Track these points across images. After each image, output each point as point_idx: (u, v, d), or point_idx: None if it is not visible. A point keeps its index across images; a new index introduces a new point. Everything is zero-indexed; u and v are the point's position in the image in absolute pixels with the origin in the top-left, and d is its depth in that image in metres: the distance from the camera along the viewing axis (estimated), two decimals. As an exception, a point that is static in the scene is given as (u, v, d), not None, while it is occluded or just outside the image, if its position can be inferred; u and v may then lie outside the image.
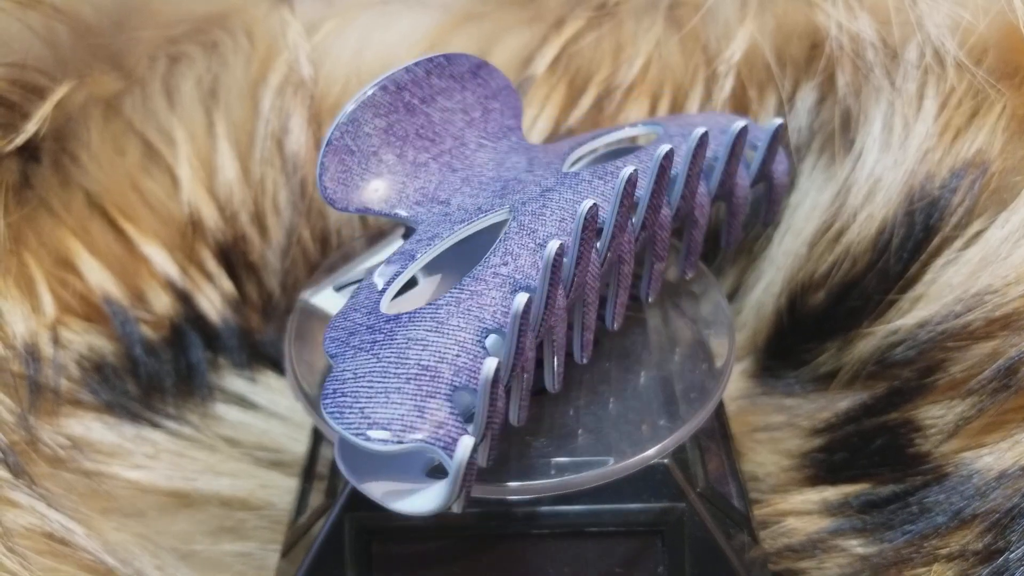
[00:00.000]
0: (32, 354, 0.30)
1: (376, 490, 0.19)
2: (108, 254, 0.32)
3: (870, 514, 0.27)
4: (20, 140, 0.30)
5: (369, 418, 0.19)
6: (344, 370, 0.20)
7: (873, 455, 0.29)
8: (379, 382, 0.19)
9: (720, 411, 0.29)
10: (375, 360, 0.20)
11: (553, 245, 0.19)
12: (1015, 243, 0.27)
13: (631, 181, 0.21)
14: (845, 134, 0.32)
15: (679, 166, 0.23)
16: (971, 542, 0.25)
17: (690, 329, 0.28)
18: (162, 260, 0.33)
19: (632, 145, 0.28)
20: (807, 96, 0.33)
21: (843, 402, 0.30)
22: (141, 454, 0.31)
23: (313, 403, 0.25)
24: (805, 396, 0.32)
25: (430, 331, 0.20)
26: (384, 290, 0.22)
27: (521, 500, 0.23)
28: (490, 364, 0.18)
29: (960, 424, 0.27)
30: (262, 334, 0.35)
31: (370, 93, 0.24)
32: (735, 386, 0.33)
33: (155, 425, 0.32)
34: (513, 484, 0.23)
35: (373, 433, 0.18)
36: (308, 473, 0.28)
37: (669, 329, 0.27)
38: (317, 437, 0.29)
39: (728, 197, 0.26)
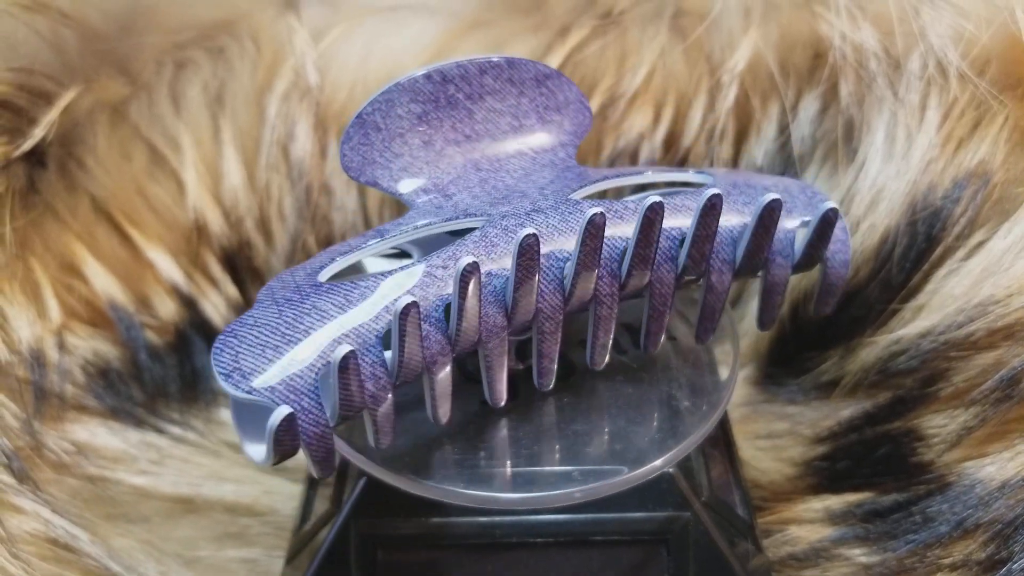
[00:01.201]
0: (37, 359, 0.30)
1: (247, 442, 0.21)
2: (114, 259, 0.33)
3: (873, 523, 0.27)
4: (27, 145, 0.30)
5: (238, 363, 0.20)
6: (250, 315, 0.21)
7: (876, 464, 0.29)
8: (266, 336, 0.20)
9: (723, 419, 0.29)
10: (277, 316, 0.21)
11: (464, 261, 0.20)
12: (1017, 254, 0.28)
13: (593, 223, 0.21)
14: (848, 144, 0.32)
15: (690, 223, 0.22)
16: (974, 552, 0.25)
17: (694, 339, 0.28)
18: (167, 265, 0.33)
19: (673, 189, 0.26)
20: (810, 106, 0.33)
21: (846, 411, 0.31)
22: (146, 460, 0.31)
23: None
24: (807, 404, 0.32)
25: (336, 307, 0.21)
26: (334, 259, 0.23)
27: (528, 510, 0.23)
28: (340, 350, 0.19)
29: (963, 434, 0.27)
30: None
31: (413, 78, 0.24)
32: (737, 394, 0.34)
33: (160, 431, 0.32)
34: (521, 496, 0.23)
35: (233, 376, 0.20)
36: (313, 480, 0.28)
37: (673, 338, 0.27)
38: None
39: (763, 274, 0.24)
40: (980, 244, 0.29)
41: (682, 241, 0.23)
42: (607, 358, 0.24)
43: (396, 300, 0.20)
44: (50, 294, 0.31)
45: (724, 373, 0.26)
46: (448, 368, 0.22)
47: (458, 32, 0.34)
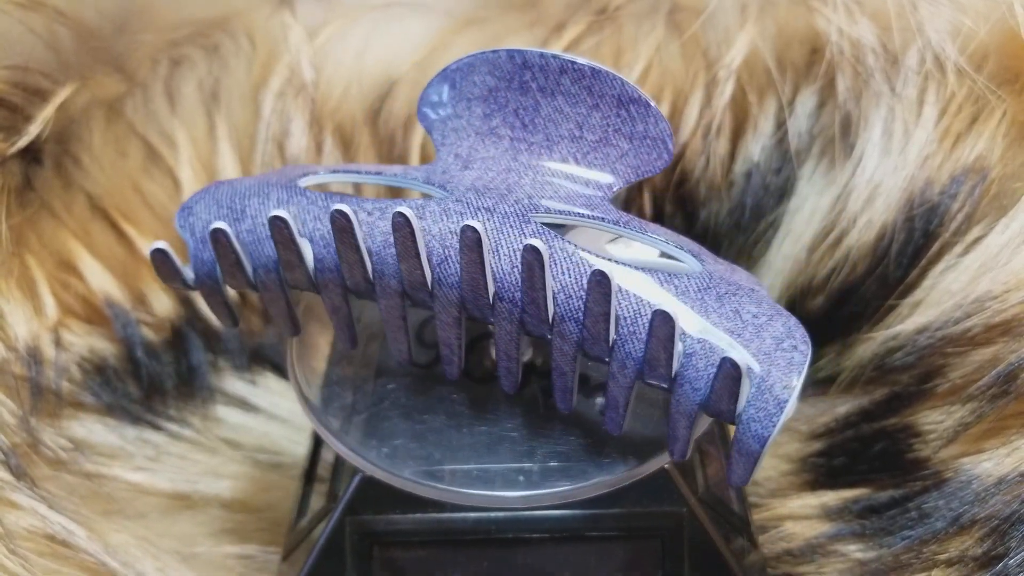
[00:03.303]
0: (34, 356, 0.30)
1: None
2: (109, 256, 0.33)
3: (869, 519, 0.27)
4: (23, 142, 0.30)
5: (192, 211, 0.24)
6: (230, 182, 0.24)
7: (872, 460, 0.29)
8: (226, 198, 0.23)
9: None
10: (245, 188, 0.24)
11: (337, 206, 0.21)
12: (1015, 249, 0.27)
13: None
14: (845, 139, 0.32)
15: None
16: (970, 548, 0.25)
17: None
18: (163, 262, 0.33)
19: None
20: (807, 101, 0.33)
21: (842, 407, 0.31)
22: (142, 456, 0.31)
23: (314, 408, 0.25)
24: (804, 400, 0.32)
25: (285, 202, 0.23)
26: (317, 172, 0.25)
27: (524, 506, 0.23)
28: (218, 224, 0.22)
29: (959, 430, 0.27)
30: (263, 337, 0.35)
31: (497, 52, 0.24)
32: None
33: (156, 427, 0.32)
34: (521, 493, 0.23)
35: (184, 216, 0.24)
36: (309, 476, 0.28)
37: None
38: (317, 441, 0.29)
39: (670, 396, 0.21)
40: (977, 240, 0.29)
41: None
42: (516, 382, 0.23)
43: (272, 213, 0.21)
44: (46, 291, 0.31)
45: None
46: (341, 297, 0.23)
47: (453, 29, 0.34)
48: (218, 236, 0.22)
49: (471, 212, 0.22)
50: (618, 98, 0.23)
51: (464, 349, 0.23)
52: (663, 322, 0.19)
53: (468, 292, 0.21)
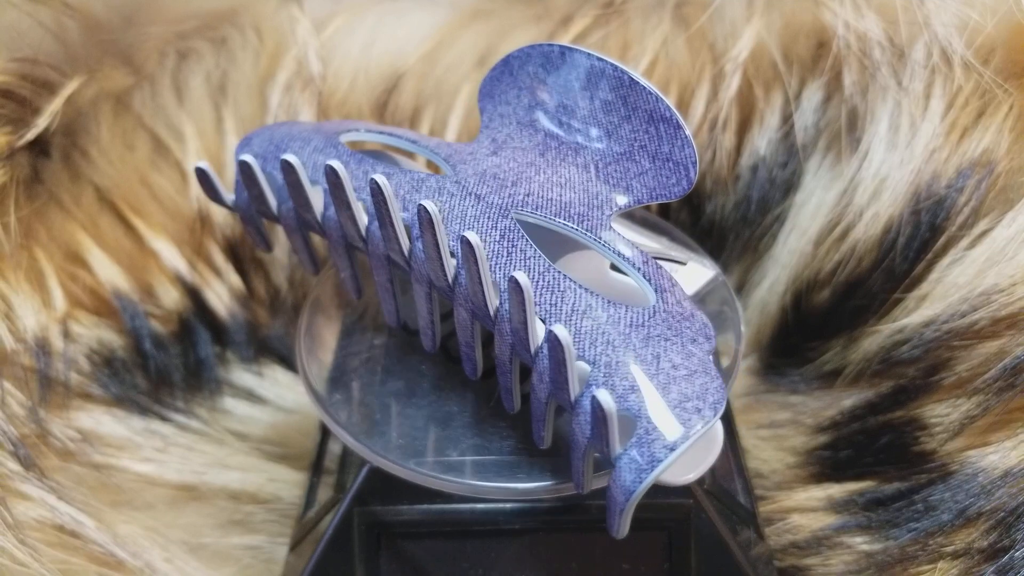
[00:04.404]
0: (42, 348, 0.30)
1: None
2: (117, 249, 0.33)
3: (875, 511, 0.27)
4: (31, 135, 0.30)
5: (249, 143, 0.25)
6: (290, 124, 0.26)
7: (878, 453, 0.29)
8: (278, 137, 0.25)
9: (726, 408, 0.29)
10: (296, 132, 0.25)
11: (329, 163, 0.22)
12: (1021, 242, 0.27)
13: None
14: (851, 133, 0.32)
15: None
16: (976, 540, 0.25)
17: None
18: (171, 255, 0.33)
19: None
20: (813, 95, 0.33)
21: (848, 400, 0.31)
22: (150, 447, 0.31)
23: (322, 399, 0.25)
24: (810, 394, 0.32)
25: (320, 150, 0.24)
26: (353, 132, 0.26)
27: (531, 498, 0.23)
28: (245, 157, 0.24)
29: (965, 423, 0.27)
30: (269, 329, 0.35)
31: (552, 46, 0.24)
32: (740, 383, 0.34)
33: (164, 419, 0.32)
34: (528, 485, 0.23)
35: (241, 145, 0.25)
36: (316, 467, 0.28)
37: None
38: (325, 432, 0.29)
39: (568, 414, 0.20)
40: (984, 233, 0.29)
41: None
42: (475, 369, 0.23)
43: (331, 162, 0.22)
44: (55, 283, 0.31)
45: (726, 363, 0.26)
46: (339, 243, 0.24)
47: (459, 23, 0.34)
48: (244, 167, 0.24)
49: (461, 195, 0.22)
50: (650, 114, 0.23)
51: (439, 325, 0.24)
52: (555, 345, 0.19)
53: (429, 270, 0.22)
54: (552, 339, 0.19)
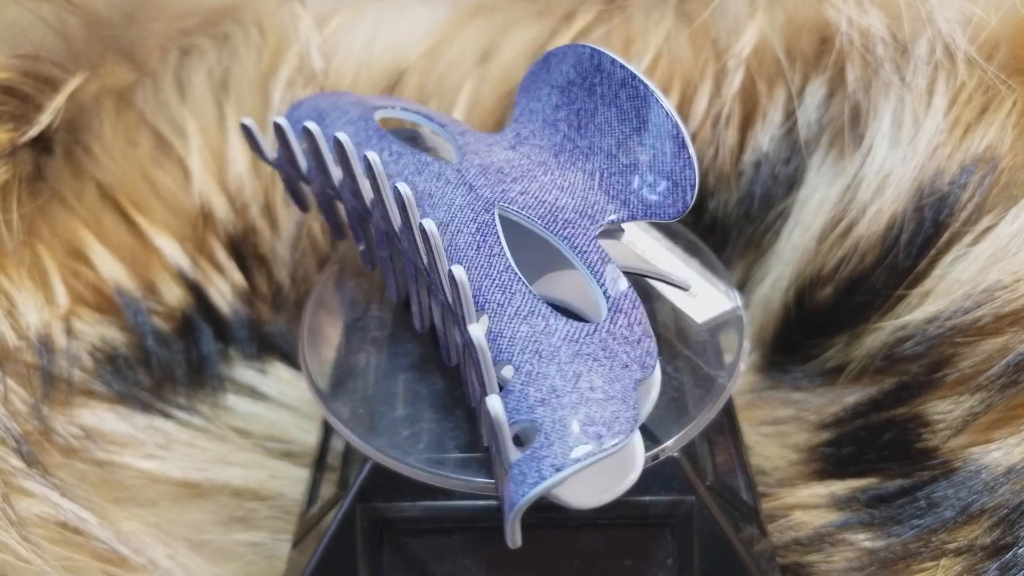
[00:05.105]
0: (45, 345, 0.30)
1: None
2: (120, 245, 0.33)
3: (878, 508, 0.27)
4: (33, 132, 0.30)
5: (299, 106, 0.27)
6: (339, 94, 0.28)
7: (881, 449, 0.29)
8: (323, 105, 0.27)
9: (728, 405, 0.29)
10: (340, 103, 0.27)
11: (340, 136, 0.23)
12: (1025, 239, 0.27)
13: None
14: (854, 129, 0.32)
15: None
16: (979, 537, 0.25)
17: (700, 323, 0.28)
18: (173, 252, 0.33)
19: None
20: (816, 91, 0.33)
21: (851, 397, 0.31)
22: (153, 444, 0.31)
23: (324, 396, 0.25)
24: (813, 390, 0.32)
25: (353, 122, 0.26)
26: (389, 109, 0.27)
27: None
28: (278, 120, 0.25)
29: (968, 419, 0.27)
30: (272, 325, 0.35)
31: (584, 47, 0.24)
32: (742, 380, 0.34)
33: (167, 415, 0.32)
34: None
35: (291, 108, 0.27)
36: (319, 464, 0.28)
37: (679, 323, 0.27)
38: (328, 429, 0.29)
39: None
40: (987, 230, 0.29)
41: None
42: (426, 322, 0.24)
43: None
44: (57, 280, 0.31)
45: (729, 359, 0.26)
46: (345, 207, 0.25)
47: (462, 18, 0.34)
48: (277, 129, 0.25)
49: (455, 184, 0.23)
50: (659, 129, 0.22)
51: (425, 304, 0.24)
52: (469, 344, 0.19)
53: (410, 251, 0.22)
54: (467, 339, 0.19)
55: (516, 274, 0.21)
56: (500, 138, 0.25)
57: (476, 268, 0.22)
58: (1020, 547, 0.24)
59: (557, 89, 0.24)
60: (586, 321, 0.21)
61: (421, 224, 0.20)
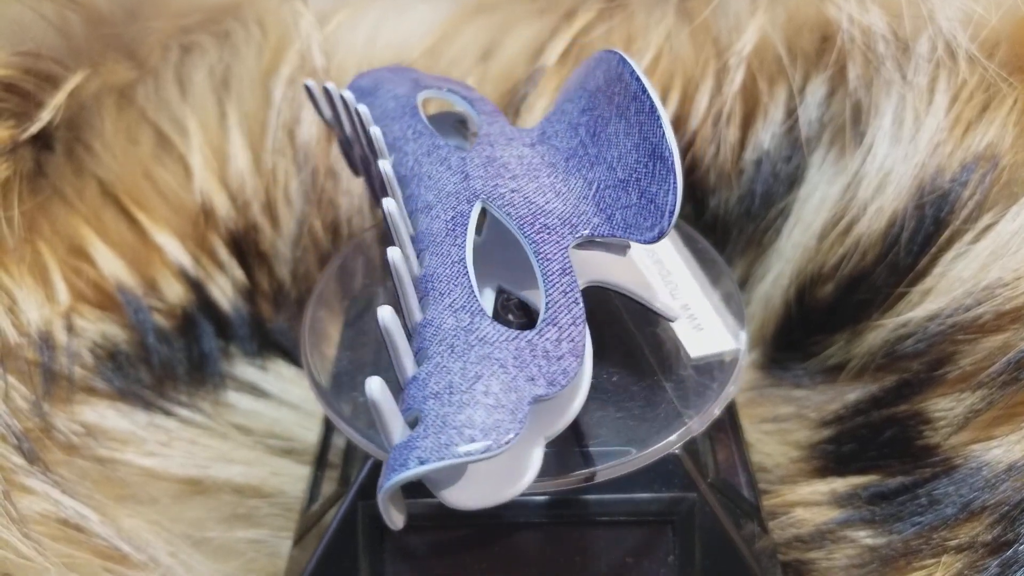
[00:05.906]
0: (46, 342, 0.30)
1: None
2: (121, 243, 0.33)
3: (879, 505, 0.27)
4: (34, 129, 0.30)
5: (364, 75, 0.29)
6: (404, 69, 0.29)
7: (882, 447, 0.29)
8: (381, 77, 0.28)
9: (730, 403, 0.29)
10: (397, 77, 0.28)
11: (360, 106, 0.25)
12: (1026, 237, 0.27)
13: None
14: (855, 127, 0.32)
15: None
16: (980, 534, 0.25)
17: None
18: (174, 249, 0.33)
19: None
20: (818, 89, 0.33)
21: (852, 394, 0.31)
22: (154, 441, 0.31)
23: (326, 393, 0.25)
24: (814, 388, 0.32)
25: (398, 97, 0.27)
26: (435, 90, 0.28)
27: (534, 491, 0.23)
28: (307, 82, 0.28)
29: (969, 416, 0.27)
30: (273, 323, 0.35)
31: (617, 54, 0.23)
32: (743, 378, 0.34)
33: (168, 413, 0.32)
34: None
35: (357, 76, 0.29)
36: (320, 461, 0.28)
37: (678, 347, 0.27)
38: (329, 426, 0.29)
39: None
40: (988, 227, 0.29)
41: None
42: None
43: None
44: (58, 277, 0.31)
45: (729, 358, 0.26)
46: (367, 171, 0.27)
47: (463, 16, 0.34)
48: (308, 91, 0.28)
49: (454, 171, 0.23)
50: (654, 148, 0.22)
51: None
52: (380, 321, 0.19)
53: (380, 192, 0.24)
54: (379, 315, 0.19)
55: (465, 268, 0.21)
56: (526, 133, 0.25)
57: (438, 255, 0.22)
58: (1021, 544, 0.24)
59: (587, 93, 0.24)
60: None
61: (377, 167, 0.23)
